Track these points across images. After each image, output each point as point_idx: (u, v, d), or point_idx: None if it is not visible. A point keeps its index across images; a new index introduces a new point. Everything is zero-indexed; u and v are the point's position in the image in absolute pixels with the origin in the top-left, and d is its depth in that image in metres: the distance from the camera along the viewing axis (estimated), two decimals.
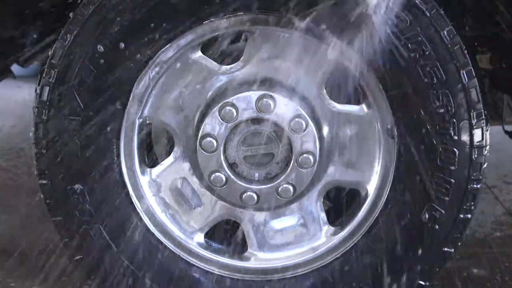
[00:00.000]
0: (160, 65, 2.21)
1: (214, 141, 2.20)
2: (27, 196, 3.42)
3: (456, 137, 2.14)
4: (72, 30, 2.15)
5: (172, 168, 2.33)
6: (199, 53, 2.23)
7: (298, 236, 2.35)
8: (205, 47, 2.24)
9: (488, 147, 2.18)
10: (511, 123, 2.72)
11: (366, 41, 2.08)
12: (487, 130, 2.17)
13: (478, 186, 2.19)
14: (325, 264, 2.32)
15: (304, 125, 2.18)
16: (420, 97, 2.13)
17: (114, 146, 2.24)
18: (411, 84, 2.12)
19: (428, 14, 2.07)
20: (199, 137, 2.20)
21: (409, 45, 2.09)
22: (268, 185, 2.24)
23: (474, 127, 2.14)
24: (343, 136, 2.27)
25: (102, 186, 2.25)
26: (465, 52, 2.11)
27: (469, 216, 2.22)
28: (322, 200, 2.35)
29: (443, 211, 2.20)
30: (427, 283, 2.28)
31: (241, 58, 2.23)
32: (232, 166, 2.24)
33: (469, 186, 2.18)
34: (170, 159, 2.33)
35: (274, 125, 2.19)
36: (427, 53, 2.09)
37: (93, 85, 2.17)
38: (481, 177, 2.18)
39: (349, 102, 2.27)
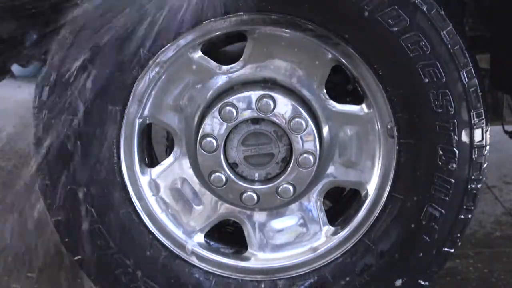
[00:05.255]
0: (160, 65, 2.21)
1: (214, 141, 2.20)
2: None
3: (456, 137, 2.15)
4: (72, 30, 2.15)
5: (172, 168, 2.33)
6: (199, 53, 2.23)
7: (298, 236, 2.35)
8: (205, 47, 2.25)
9: (488, 147, 2.18)
10: (511, 123, 2.72)
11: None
12: (487, 130, 2.17)
13: (478, 186, 2.19)
14: (325, 264, 2.32)
15: (304, 125, 2.18)
16: (420, 97, 2.13)
17: (114, 146, 2.24)
18: (411, 84, 2.12)
19: (428, 14, 2.07)
20: (199, 137, 2.20)
21: (409, 45, 2.09)
22: (268, 185, 2.24)
23: (474, 127, 2.14)
24: (343, 136, 2.27)
25: (102, 186, 2.25)
26: (465, 52, 2.11)
27: (469, 216, 2.22)
28: (322, 200, 2.35)
29: (443, 211, 2.20)
30: (427, 283, 2.28)
31: (241, 58, 2.23)
32: (232, 166, 2.24)
33: (469, 186, 2.18)
34: (170, 159, 2.33)
35: (274, 125, 2.20)
36: (427, 53, 2.09)
37: (93, 85, 2.17)
38: (481, 177, 2.18)
39: (349, 102, 2.27)
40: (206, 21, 2.14)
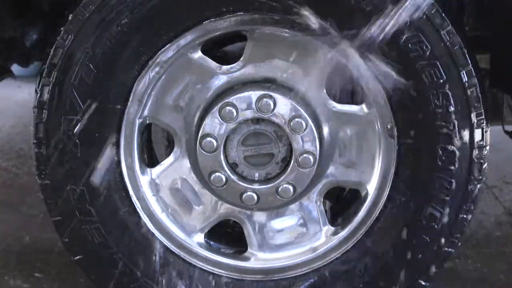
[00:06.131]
0: (160, 65, 2.21)
1: (214, 141, 2.20)
2: (27, 196, 3.43)
3: (456, 137, 2.15)
4: (72, 30, 2.15)
5: (172, 168, 2.33)
6: (199, 53, 2.23)
7: (298, 236, 2.35)
8: (205, 47, 2.25)
9: (488, 147, 2.18)
10: (511, 123, 2.72)
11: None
12: (487, 130, 2.17)
13: (478, 186, 2.19)
14: (325, 264, 2.32)
15: (304, 125, 2.18)
16: (420, 97, 2.13)
17: (114, 146, 2.24)
18: (411, 84, 2.12)
19: (428, 14, 2.07)
20: (199, 137, 2.20)
21: (409, 45, 2.09)
22: (268, 185, 2.24)
23: (474, 127, 2.14)
24: (343, 136, 2.27)
25: (102, 186, 2.25)
26: (465, 52, 2.11)
27: (469, 216, 2.22)
28: (322, 200, 2.35)
29: (443, 211, 2.20)
30: (427, 283, 2.28)
31: (241, 58, 2.23)
32: (232, 166, 2.24)
33: (469, 186, 2.18)
34: (170, 159, 2.33)
35: (274, 125, 2.20)
36: (427, 53, 2.09)
37: (93, 85, 2.17)
38: (481, 177, 2.18)
39: (349, 102, 2.27)
40: (206, 21, 2.14)
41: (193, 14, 2.13)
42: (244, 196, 2.24)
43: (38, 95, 2.20)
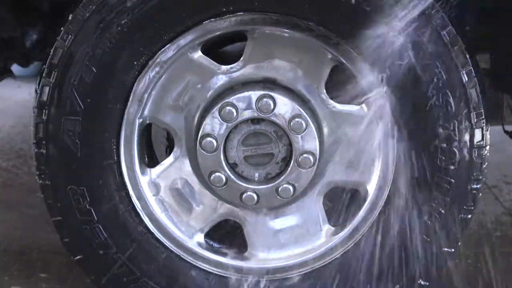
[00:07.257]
0: (160, 65, 2.21)
1: (214, 141, 2.20)
2: (27, 196, 3.43)
3: (456, 137, 2.15)
4: (72, 30, 2.15)
5: (172, 168, 2.33)
6: (199, 53, 2.23)
7: (298, 236, 2.35)
8: (205, 47, 2.25)
9: (488, 147, 2.18)
10: (511, 123, 2.72)
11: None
12: (487, 130, 2.17)
13: (478, 186, 2.19)
14: (325, 264, 2.32)
15: (304, 125, 2.18)
16: (420, 97, 2.13)
17: (114, 146, 2.24)
18: (411, 84, 2.12)
19: (428, 13, 2.07)
20: (199, 137, 2.20)
21: (409, 45, 2.09)
22: (268, 185, 2.24)
23: (474, 127, 2.14)
24: (343, 136, 2.27)
25: (102, 186, 2.25)
26: (465, 52, 2.11)
27: (469, 216, 2.22)
28: (322, 200, 2.35)
29: (443, 211, 2.20)
30: (427, 283, 2.28)
31: (241, 58, 2.23)
32: (232, 166, 2.24)
33: (469, 186, 2.18)
34: (170, 159, 2.33)
35: (274, 125, 2.20)
36: (427, 53, 2.09)
37: (93, 85, 2.17)
38: (481, 177, 2.19)
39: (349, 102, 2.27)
40: (206, 21, 2.14)
41: (193, 14, 2.13)
42: (244, 196, 2.24)
43: (38, 95, 2.20)
